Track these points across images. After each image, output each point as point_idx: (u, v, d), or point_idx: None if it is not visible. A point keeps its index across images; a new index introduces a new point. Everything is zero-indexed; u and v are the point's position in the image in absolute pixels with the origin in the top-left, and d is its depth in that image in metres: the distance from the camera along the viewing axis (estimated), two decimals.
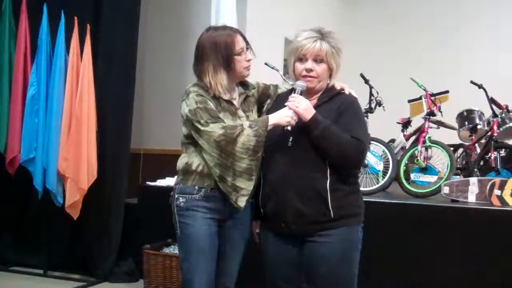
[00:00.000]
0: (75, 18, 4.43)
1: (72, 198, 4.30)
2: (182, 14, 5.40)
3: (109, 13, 4.62)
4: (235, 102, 2.44)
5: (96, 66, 4.51)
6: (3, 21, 4.63)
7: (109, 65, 4.61)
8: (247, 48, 2.42)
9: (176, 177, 2.47)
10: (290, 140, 2.26)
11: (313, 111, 2.23)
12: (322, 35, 2.29)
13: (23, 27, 4.56)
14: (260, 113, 2.54)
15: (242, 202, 2.31)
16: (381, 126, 5.05)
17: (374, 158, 4.68)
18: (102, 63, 4.61)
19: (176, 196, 2.40)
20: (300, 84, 2.29)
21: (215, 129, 2.26)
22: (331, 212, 2.20)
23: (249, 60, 2.41)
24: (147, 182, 4.69)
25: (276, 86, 2.60)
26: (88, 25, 4.45)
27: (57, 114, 4.38)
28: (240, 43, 2.38)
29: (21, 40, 4.56)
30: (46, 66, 4.46)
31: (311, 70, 2.28)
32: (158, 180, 4.64)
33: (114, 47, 4.60)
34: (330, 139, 2.18)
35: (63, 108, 4.36)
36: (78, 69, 4.40)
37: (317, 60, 2.28)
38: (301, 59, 2.29)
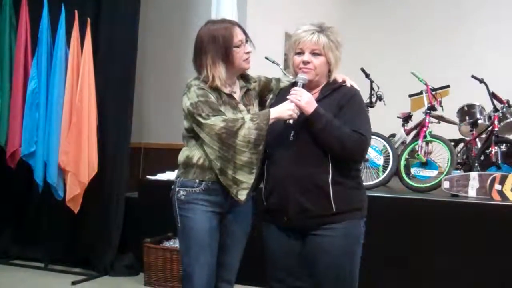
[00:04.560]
0: (76, 11, 4.42)
1: (73, 192, 4.30)
2: (183, 8, 5.38)
3: (109, 7, 4.61)
4: (236, 96, 2.44)
5: (96, 60, 4.50)
6: (4, 14, 4.63)
7: (109, 59, 4.60)
8: (246, 41, 2.41)
9: (177, 170, 2.48)
10: (292, 134, 2.25)
11: (315, 105, 2.22)
12: (321, 28, 2.28)
13: (24, 21, 4.55)
14: (262, 107, 2.53)
15: (242, 195, 2.31)
16: (382, 120, 5.05)
17: (374, 152, 4.69)
18: (102, 57, 4.60)
19: (177, 189, 2.40)
20: (302, 77, 2.28)
21: (216, 122, 2.25)
22: (333, 206, 2.20)
23: (248, 53, 2.40)
24: (148, 176, 4.70)
25: (278, 80, 2.60)
26: (88, 18, 4.44)
27: (58, 108, 4.37)
28: (238, 36, 2.38)
29: (21, 34, 4.55)
30: (47, 59, 4.45)
31: (308, 62, 2.27)
32: (158, 174, 4.64)
33: (114, 41, 4.59)
34: (332, 132, 2.17)
35: (64, 102, 4.36)
36: (79, 63, 4.39)
37: (315, 53, 2.27)
38: (299, 52, 2.29)
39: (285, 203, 2.24)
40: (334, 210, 2.20)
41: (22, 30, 4.55)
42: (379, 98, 5.08)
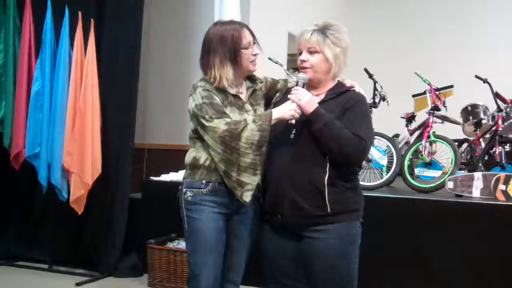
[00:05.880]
0: (79, 13, 4.43)
1: (77, 193, 4.30)
2: (186, 10, 5.39)
3: (113, 8, 4.61)
4: (243, 96, 2.45)
5: (100, 61, 4.51)
6: (8, 16, 4.63)
7: (113, 60, 4.61)
8: (254, 43, 2.42)
9: (182, 171, 2.48)
10: (293, 132, 2.26)
11: (316, 105, 2.23)
12: (320, 27, 2.29)
13: (27, 22, 4.56)
14: (268, 107, 2.53)
15: (247, 197, 2.31)
16: (385, 120, 5.06)
17: (378, 153, 4.68)
18: (106, 58, 4.61)
19: (184, 190, 2.40)
20: (302, 77, 2.29)
21: (219, 125, 2.26)
22: (328, 207, 2.19)
23: (255, 55, 2.42)
24: (151, 177, 4.70)
25: (285, 81, 2.61)
26: (92, 20, 4.44)
27: (62, 109, 4.38)
28: (247, 37, 2.39)
29: (25, 35, 4.56)
30: (50, 61, 4.45)
31: (304, 61, 2.29)
32: (162, 175, 4.65)
33: (118, 42, 4.59)
34: (330, 133, 2.17)
35: (67, 103, 4.36)
36: (82, 64, 4.39)
37: (310, 51, 2.28)
38: (300, 52, 2.32)
39: (280, 200, 2.24)
40: (329, 210, 2.20)
41: (26, 32, 4.56)
42: (383, 98, 5.08)
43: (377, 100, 5.04)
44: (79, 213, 4.36)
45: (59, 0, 4.52)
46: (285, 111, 2.26)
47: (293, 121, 2.24)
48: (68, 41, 4.44)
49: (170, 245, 4.24)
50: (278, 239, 2.33)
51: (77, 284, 4.22)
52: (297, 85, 2.30)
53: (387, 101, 5.07)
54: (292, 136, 2.26)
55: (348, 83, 2.38)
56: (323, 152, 2.20)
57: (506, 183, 3.98)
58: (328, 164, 2.20)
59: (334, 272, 2.23)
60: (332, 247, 2.21)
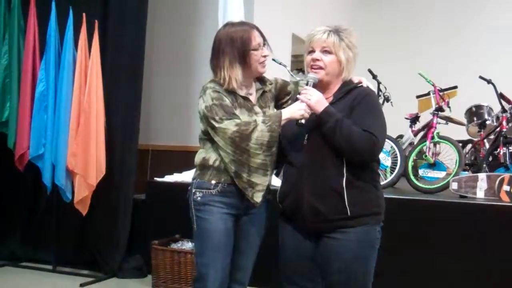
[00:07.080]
0: (83, 14, 4.43)
1: (81, 194, 4.31)
2: (190, 11, 5.40)
3: (117, 9, 4.63)
4: (252, 98, 2.45)
5: (104, 62, 4.52)
6: (12, 18, 4.64)
7: (117, 61, 4.62)
8: (264, 44, 2.43)
9: (194, 171, 2.49)
10: (305, 138, 2.25)
11: (325, 104, 2.22)
12: (334, 29, 2.28)
13: (32, 24, 4.56)
14: (278, 108, 2.53)
15: (258, 197, 2.32)
16: (389, 121, 4.99)
17: (382, 153, 4.68)
18: (110, 59, 4.61)
19: (193, 190, 2.41)
20: (312, 77, 2.28)
21: (229, 126, 2.26)
22: (348, 210, 2.18)
23: (265, 56, 2.42)
24: (155, 178, 4.71)
25: (296, 83, 2.60)
26: (96, 21, 4.45)
27: (66, 110, 4.38)
28: (257, 39, 2.39)
29: (29, 37, 4.56)
30: (55, 62, 4.46)
31: (317, 60, 2.27)
32: (166, 176, 4.64)
33: (122, 43, 4.60)
34: (341, 131, 2.15)
35: (72, 104, 4.37)
36: (87, 65, 4.40)
37: (325, 50, 2.27)
38: (311, 51, 2.30)
39: (299, 206, 2.23)
40: (349, 214, 2.18)
41: (30, 33, 4.56)
42: (387, 99, 5.08)
43: (381, 101, 5.03)
44: (84, 214, 4.37)
45: (63, 2, 4.53)
46: (294, 111, 2.25)
47: (302, 121, 2.23)
48: (73, 42, 4.45)
49: (174, 246, 4.24)
50: (299, 239, 2.31)
51: (81, 285, 4.22)
52: (307, 85, 2.28)
53: (391, 102, 5.06)
54: (305, 142, 2.25)
55: (355, 79, 2.36)
56: (338, 154, 2.18)
57: (510, 184, 3.97)
58: (345, 166, 2.18)
59: (350, 275, 2.22)
60: (350, 249, 2.20)
